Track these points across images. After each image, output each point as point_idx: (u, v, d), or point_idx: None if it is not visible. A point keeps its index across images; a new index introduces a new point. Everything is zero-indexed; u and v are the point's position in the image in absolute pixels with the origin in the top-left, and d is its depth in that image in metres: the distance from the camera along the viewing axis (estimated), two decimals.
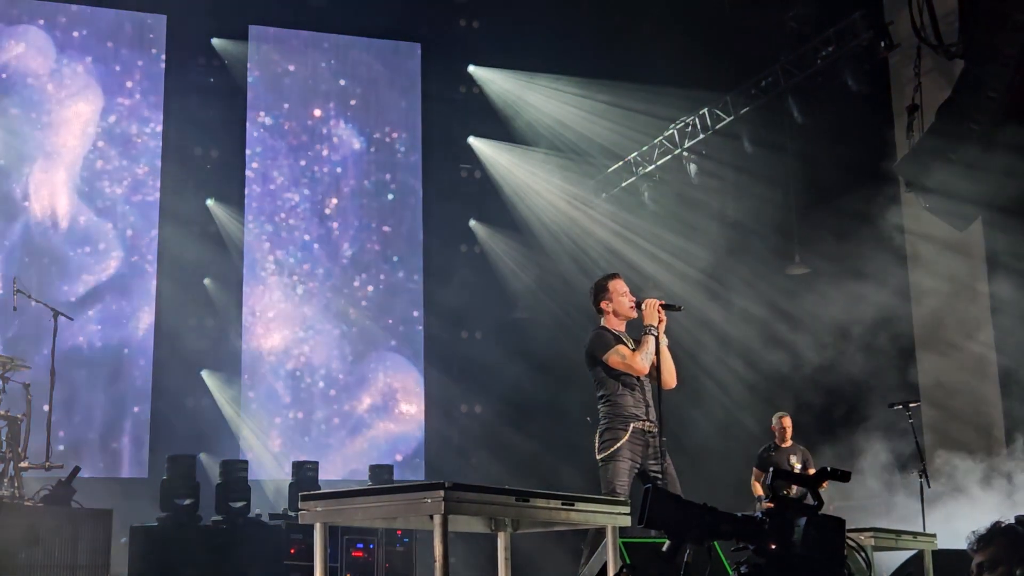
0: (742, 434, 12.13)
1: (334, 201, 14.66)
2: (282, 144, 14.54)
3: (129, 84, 13.86)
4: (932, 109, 9.49)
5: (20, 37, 13.43)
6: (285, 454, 13.61)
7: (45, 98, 13.41)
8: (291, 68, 14.68)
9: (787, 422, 10.04)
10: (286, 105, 14.63)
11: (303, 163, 14.59)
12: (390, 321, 14.70)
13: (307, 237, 14.48)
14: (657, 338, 6.13)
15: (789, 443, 10.00)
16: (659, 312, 6.18)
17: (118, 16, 13.90)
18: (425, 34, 15.12)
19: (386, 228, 14.87)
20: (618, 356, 6.15)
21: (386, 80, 15.09)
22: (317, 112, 14.73)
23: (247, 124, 14.32)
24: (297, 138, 14.63)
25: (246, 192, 14.23)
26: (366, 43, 15.09)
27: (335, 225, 14.64)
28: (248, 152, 14.29)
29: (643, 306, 6.23)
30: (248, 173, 14.28)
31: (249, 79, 14.38)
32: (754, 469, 10.15)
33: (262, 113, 14.49)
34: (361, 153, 14.87)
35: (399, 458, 14.16)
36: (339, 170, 14.74)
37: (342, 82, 14.86)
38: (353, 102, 14.90)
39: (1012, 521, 3.60)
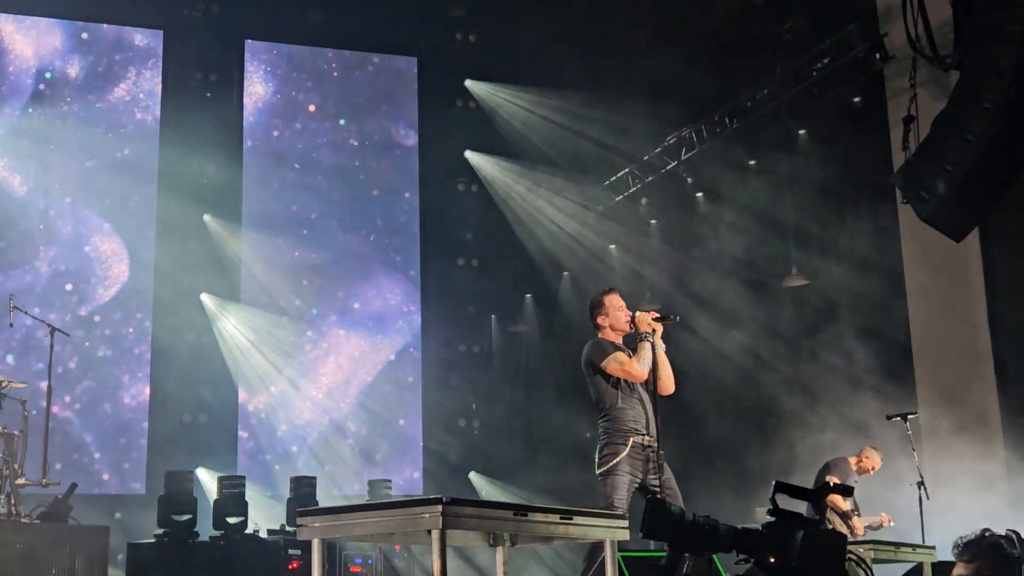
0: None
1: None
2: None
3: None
4: (928, 120, 9.48)
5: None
6: (284, 470, 13.56)
7: None
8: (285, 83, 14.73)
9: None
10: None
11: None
12: (388, 335, 14.67)
13: (298, 252, 14.49)
14: (654, 345, 6.13)
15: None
16: (653, 323, 6.19)
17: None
18: (422, 47, 15.14)
19: (373, 236, 14.84)
20: (616, 363, 6.14)
21: (382, 93, 15.13)
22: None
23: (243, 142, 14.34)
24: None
25: (243, 210, 14.25)
26: (362, 57, 15.11)
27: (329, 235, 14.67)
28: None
29: (636, 317, 6.25)
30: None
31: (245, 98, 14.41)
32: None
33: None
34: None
35: (397, 473, 14.11)
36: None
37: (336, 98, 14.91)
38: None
39: (1001, 536, 3.50)
